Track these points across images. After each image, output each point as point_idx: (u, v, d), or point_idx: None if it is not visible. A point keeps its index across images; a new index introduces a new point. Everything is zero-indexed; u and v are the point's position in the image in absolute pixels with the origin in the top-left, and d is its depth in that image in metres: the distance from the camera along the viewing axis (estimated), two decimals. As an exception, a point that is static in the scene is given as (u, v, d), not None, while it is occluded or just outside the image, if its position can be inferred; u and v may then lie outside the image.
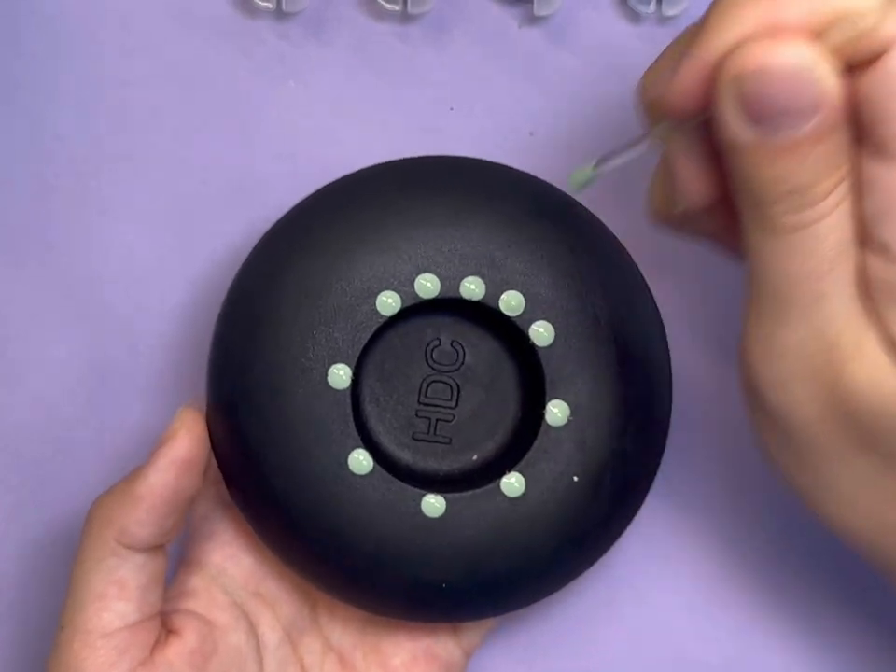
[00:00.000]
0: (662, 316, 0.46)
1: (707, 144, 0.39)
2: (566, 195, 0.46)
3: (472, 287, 0.44)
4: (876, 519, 0.39)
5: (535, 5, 0.50)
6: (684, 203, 0.40)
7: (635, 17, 0.51)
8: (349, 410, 0.44)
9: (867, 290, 0.36)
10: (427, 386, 0.45)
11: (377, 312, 0.44)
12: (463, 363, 0.45)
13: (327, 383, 0.43)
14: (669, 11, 0.50)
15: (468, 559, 0.44)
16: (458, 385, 0.45)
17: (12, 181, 0.50)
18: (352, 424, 0.44)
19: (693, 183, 0.40)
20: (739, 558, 0.51)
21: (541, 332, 0.44)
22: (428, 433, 0.45)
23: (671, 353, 0.46)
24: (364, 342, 0.44)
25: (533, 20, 0.51)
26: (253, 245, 0.46)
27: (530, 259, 0.44)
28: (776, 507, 0.51)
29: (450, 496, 0.44)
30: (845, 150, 0.36)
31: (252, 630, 0.46)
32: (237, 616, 0.46)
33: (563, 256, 0.44)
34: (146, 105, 0.50)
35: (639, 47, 0.51)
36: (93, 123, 0.50)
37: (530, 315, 0.44)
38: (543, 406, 0.44)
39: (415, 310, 0.44)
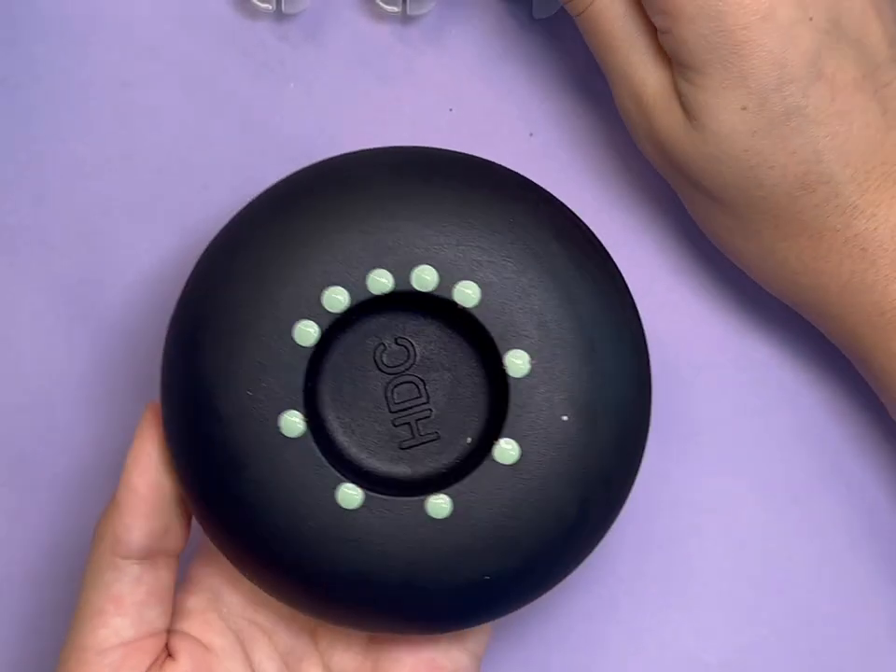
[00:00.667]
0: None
1: None
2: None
3: (382, 281, 0.42)
4: (732, 245, 0.47)
5: (534, 7, 0.50)
6: None
7: (634, 18, 0.51)
8: (317, 454, 0.42)
9: (663, 55, 0.45)
10: (392, 392, 0.43)
11: (297, 345, 0.42)
12: (416, 355, 0.44)
13: (280, 433, 0.42)
14: (668, 12, 0.50)
15: (481, 551, 0.43)
16: (421, 379, 0.44)
17: (12, 181, 0.50)
18: (327, 465, 0.42)
19: None
20: (738, 559, 0.51)
21: (468, 294, 0.42)
22: (413, 437, 0.43)
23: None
24: (301, 381, 0.42)
25: (532, 21, 0.51)
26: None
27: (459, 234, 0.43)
28: (776, 507, 0.51)
29: (453, 490, 0.42)
30: None
31: (247, 659, 0.46)
32: (232, 642, 0.46)
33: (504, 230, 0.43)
34: (146, 105, 0.50)
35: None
36: (94, 124, 0.50)
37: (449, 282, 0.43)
38: (500, 361, 0.42)
39: (339, 326, 0.43)
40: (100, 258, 0.50)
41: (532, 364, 0.42)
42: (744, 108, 0.43)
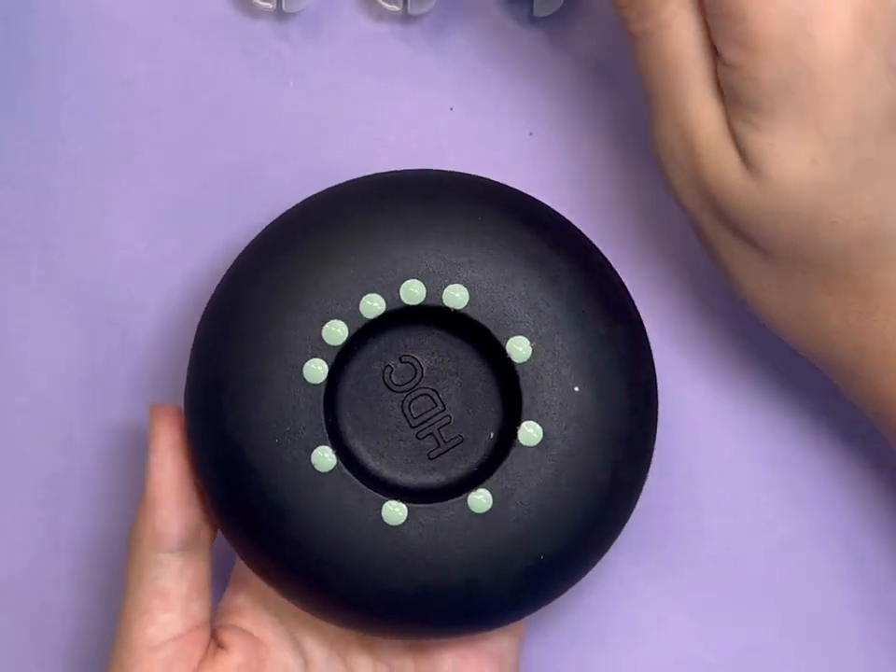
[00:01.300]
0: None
1: None
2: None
3: (374, 305, 0.44)
4: (764, 299, 0.43)
5: (534, 6, 0.50)
6: None
7: (634, 17, 0.51)
8: (354, 481, 0.43)
9: (722, 92, 0.41)
10: (409, 408, 0.45)
11: (310, 384, 0.43)
12: (422, 368, 0.45)
13: (315, 470, 0.43)
14: (669, 12, 0.50)
15: (530, 535, 0.44)
16: (433, 389, 0.45)
17: (13, 181, 0.50)
18: (366, 489, 0.43)
19: None
20: (739, 558, 0.51)
21: (457, 296, 0.44)
22: (439, 445, 0.45)
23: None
24: (321, 417, 0.43)
25: (532, 20, 0.51)
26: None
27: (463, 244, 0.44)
28: (775, 507, 0.51)
29: (490, 483, 0.44)
30: None
31: (298, 648, 0.47)
32: (282, 634, 0.47)
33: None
34: (146, 105, 0.50)
35: (639, 47, 0.51)
36: (94, 123, 0.50)
37: (447, 279, 0.44)
38: (503, 350, 0.44)
39: (344, 358, 0.44)
40: (99, 257, 0.50)
41: (533, 346, 0.44)
42: (814, 160, 0.39)
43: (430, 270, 0.44)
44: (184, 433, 0.45)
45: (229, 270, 0.46)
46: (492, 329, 0.44)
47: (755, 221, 0.41)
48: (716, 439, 0.51)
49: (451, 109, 0.51)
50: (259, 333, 0.44)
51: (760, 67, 0.39)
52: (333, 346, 0.44)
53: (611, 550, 0.46)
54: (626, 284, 0.46)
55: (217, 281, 0.46)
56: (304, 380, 0.43)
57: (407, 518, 0.43)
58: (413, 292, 0.44)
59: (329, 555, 0.44)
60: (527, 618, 0.48)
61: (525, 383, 0.44)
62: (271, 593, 0.47)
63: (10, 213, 0.50)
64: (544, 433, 0.44)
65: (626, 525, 0.45)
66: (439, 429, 0.45)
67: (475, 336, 0.44)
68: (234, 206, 0.50)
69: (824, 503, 0.51)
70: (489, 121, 0.51)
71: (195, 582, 0.45)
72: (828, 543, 0.51)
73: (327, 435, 0.43)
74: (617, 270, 0.46)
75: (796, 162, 0.39)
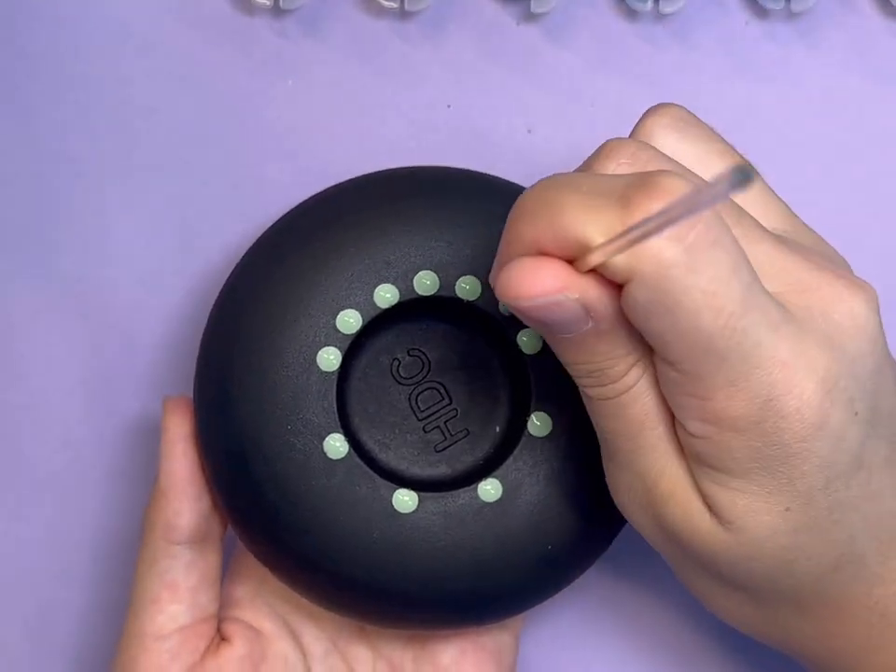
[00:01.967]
0: None
1: None
2: None
3: (387, 295, 0.44)
4: (735, 617, 0.43)
5: (532, 2, 0.50)
6: None
7: (632, 14, 0.51)
8: (365, 468, 0.44)
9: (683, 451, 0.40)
10: (416, 402, 0.45)
11: (323, 371, 0.44)
12: (430, 362, 0.45)
13: (327, 457, 0.44)
14: (667, 9, 0.50)
15: (540, 524, 0.44)
16: (440, 382, 0.45)
17: (12, 181, 0.50)
18: (377, 477, 0.44)
19: None
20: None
21: (469, 288, 0.44)
22: (446, 438, 0.45)
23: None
24: (334, 405, 0.44)
25: (530, 16, 0.51)
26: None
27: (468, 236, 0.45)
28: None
29: (499, 472, 0.44)
30: (634, 339, 0.38)
31: (296, 640, 0.47)
32: (281, 626, 0.47)
33: None
34: (144, 103, 0.50)
35: (637, 44, 0.51)
36: (92, 122, 0.50)
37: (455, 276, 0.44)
38: (514, 341, 0.44)
39: (354, 350, 0.44)
40: (99, 256, 0.50)
41: (543, 337, 0.44)
42: (787, 509, 0.39)
43: (443, 262, 0.44)
44: (195, 426, 0.45)
45: (241, 261, 0.46)
46: (503, 321, 0.44)
47: (728, 565, 0.40)
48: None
49: (448, 107, 0.51)
50: (272, 322, 0.44)
51: (731, 440, 0.38)
52: (347, 335, 0.44)
53: (613, 548, 0.46)
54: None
55: (217, 280, 0.46)
56: (318, 368, 0.44)
57: (418, 506, 0.44)
58: (425, 283, 0.44)
59: (339, 542, 0.44)
60: (527, 617, 0.49)
61: (534, 374, 0.44)
62: (269, 585, 0.47)
63: (10, 212, 0.50)
64: (553, 424, 0.44)
65: None
66: (445, 423, 0.45)
67: (485, 328, 0.45)
68: (234, 205, 0.50)
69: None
70: (487, 118, 0.51)
71: (204, 575, 0.46)
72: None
73: (339, 423, 0.44)
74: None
75: (770, 514, 0.39)
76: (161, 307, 0.50)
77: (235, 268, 0.46)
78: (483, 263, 0.44)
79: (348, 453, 0.44)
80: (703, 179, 0.40)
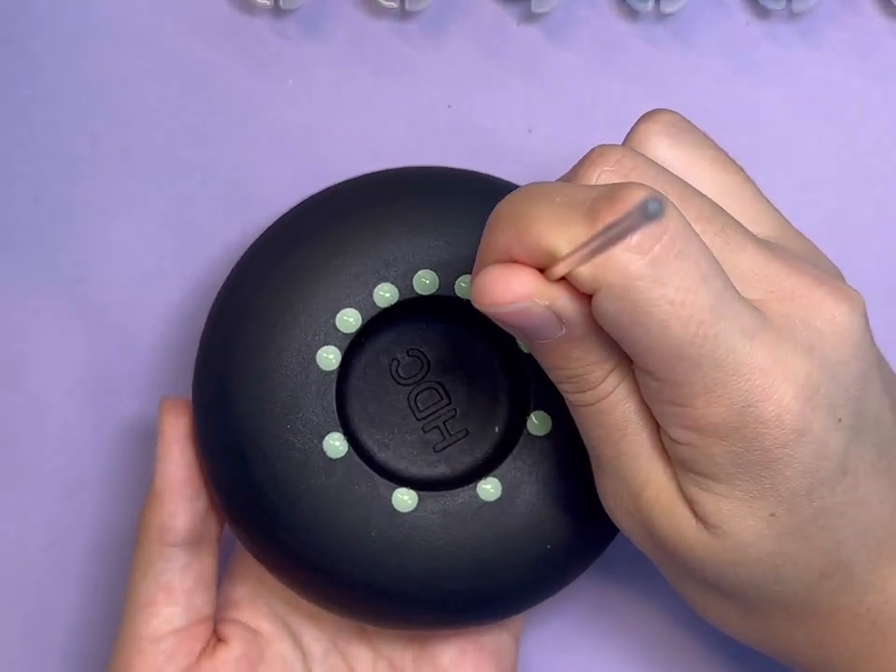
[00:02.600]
0: None
1: None
2: None
3: (387, 295, 0.44)
4: (725, 623, 0.43)
5: (532, 2, 0.50)
6: None
7: (633, 14, 0.51)
8: (365, 468, 0.44)
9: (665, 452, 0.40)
10: (415, 402, 0.45)
11: (323, 370, 0.44)
12: (429, 362, 0.45)
13: (326, 456, 0.44)
14: (667, 8, 0.50)
15: (539, 523, 0.44)
16: (439, 382, 0.45)
17: (11, 180, 0.50)
18: (376, 476, 0.44)
19: None
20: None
21: (466, 287, 0.44)
22: (445, 438, 0.45)
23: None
24: (333, 404, 0.44)
25: (531, 17, 0.51)
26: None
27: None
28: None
29: (499, 471, 0.44)
30: (609, 347, 0.38)
31: (296, 641, 0.47)
32: (280, 627, 0.47)
33: None
34: (144, 103, 0.50)
35: (637, 44, 0.51)
36: (92, 122, 0.50)
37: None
38: (513, 340, 0.44)
39: (354, 350, 0.44)
40: (98, 256, 0.50)
41: None
42: (772, 514, 0.39)
43: (443, 261, 0.44)
44: (193, 427, 0.45)
45: (240, 260, 0.46)
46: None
47: (713, 569, 0.41)
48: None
49: (449, 107, 0.51)
50: (272, 321, 0.44)
51: (713, 446, 0.38)
52: (346, 334, 0.44)
53: (612, 549, 0.46)
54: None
55: (217, 280, 0.46)
56: (317, 367, 0.44)
57: (417, 505, 0.44)
58: (425, 282, 0.44)
59: (338, 541, 0.44)
60: (527, 618, 0.49)
61: (534, 373, 0.44)
62: (267, 585, 0.47)
63: (9, 212, 0.50)
64: (553, 423, 0.44)
65: None
66: (444, 423, 0.45)
67: (484, 327, 0.45)
68: (233, 204, 0.50)
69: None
70: (487, 119, 0.51)
71: (200, 577, 0.46)
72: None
73: (338, 422, 0.44)
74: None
75: (755, 519, 0.39)
76: (161, 307, 0.50)
77: (234, 267, 0.46)
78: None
79: (347, 452, 0.44)
80: (689, 186, 0.40)
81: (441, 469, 0.45)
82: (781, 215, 0.43)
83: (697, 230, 0.38)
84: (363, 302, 0.44)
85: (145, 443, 0.49)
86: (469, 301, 0.44)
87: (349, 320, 0.44)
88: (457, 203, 0.45)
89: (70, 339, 0.50)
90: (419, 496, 0.44)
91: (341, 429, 0.44)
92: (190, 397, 0.46)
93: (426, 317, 0.45)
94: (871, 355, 0.40)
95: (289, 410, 0.44)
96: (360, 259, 0.44)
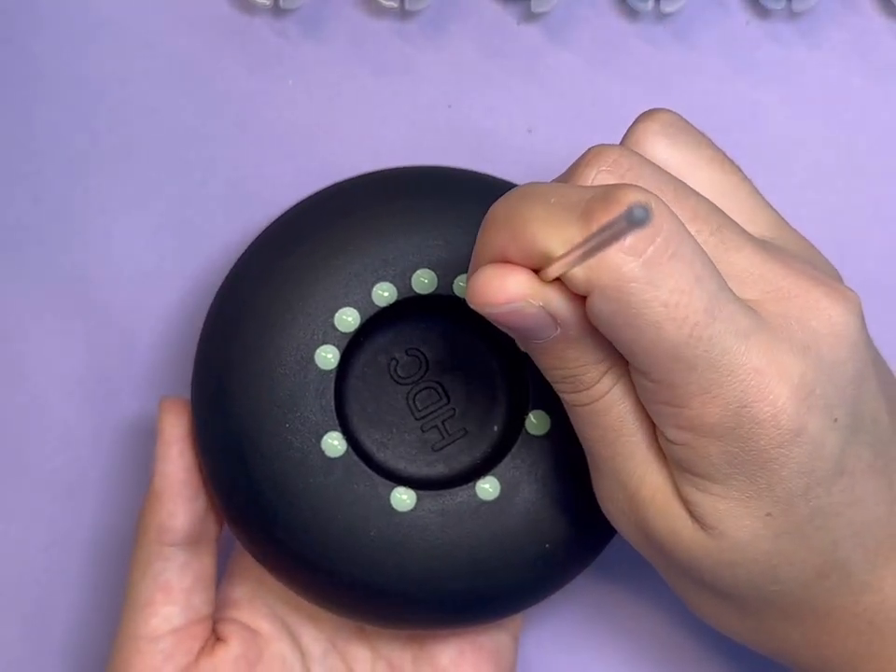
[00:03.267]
0: None
1: None
2: None
3: (385, 294, 0.44)
4: (723, 624, 0.43)
5: (532, 2, 0.50)
6: None
7: (633, 14, 0.51)
8: (363, 467, 0.44)
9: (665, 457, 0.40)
10: (414, 401, 0.45)
11: (321, 370, 0.44)
12: (428, 361, 0.45)
13: (325, 455, 0.44)
14: (667, 8, 0.50)
15: (537, 523, 0.44)
16: (438, 382, 0.45)
17: (10, 180, 0.50)
18: (375, 475, 0.44)
19: None
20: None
21: (465, 286, 0.44)
22: (444, 438, 0.45)
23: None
24: (332, 404, 0.44)
25: (531, 16, 0.51)
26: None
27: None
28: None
29: (497, 471, 0.44)
30: (604, 347, 0.38)
31: (295, 641, 0.47)
32: (279, 626, 0.47)
33: None
34: (143, 103, 0.50)
35: (637, 44, 0.51)
36: (92, 122, 0.50)
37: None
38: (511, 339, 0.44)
39: (352, 349, 0.44)
40: (98, 256, 0.50)
41: None
42: (768, 514, 0.39)
43: (441, 260, 0.44)
44: (192, 426, 0.45)
45: (238, 260, 0.46)
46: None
47: (710, 570, 0.40)
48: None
49: (449, 106, 0.51)
50: (270, 320, 0.44)
51: (708, 446, 0.38)
52: (345, 333, 0.44)
53: (612, 549, 0.46)
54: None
55: (217, 280, 0.46)
56: (316, 366, 0.44)
57: (415, 504, 0.44)
58: (423, 281, 0.44)
59: (336, 541, 0.44)
60: (526, 618, 0.49)
61: (532, 372, 0.43)
62: (266, 585, 0.47)
63: (9, 212, 0.50)
64: (551, 422, 0.44)
65: None
66: (443, 422, 0.45)
67: (483, 327, 0.44)
68: (233, 205, 0.50)
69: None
70: (487, 119, 0.51)
71: (199, 576, 0.46)
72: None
73: (337, 421, 0.44)
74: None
75: (751, 519, 0.39)
76: (161, 307, 0.50)
77: (233, 267, 0.46)
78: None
79: (346, 451, 0.44)
80: (685, 185, 0.40)
81: (439, 469, 0.45)
82: (778, 214, 0.43)
83: (693, 230, 0.38)
84: (361, 301, 0.44)
85: (145, 443, 0.49)
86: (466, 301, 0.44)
87: (348, 319, 0.44)
88: (456, 203, 0.45)
89: (70, 339, 0.50)
90: (417, 495, 0.44)
91: (339, 429, 0.44)
92: (189, 395, 0.46)
93: (424, 317, 0.45)
94: (867, 355, 0.40)
95: (288, 409, 0.44)
96: (359, 258, 0.44)
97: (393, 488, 0.44)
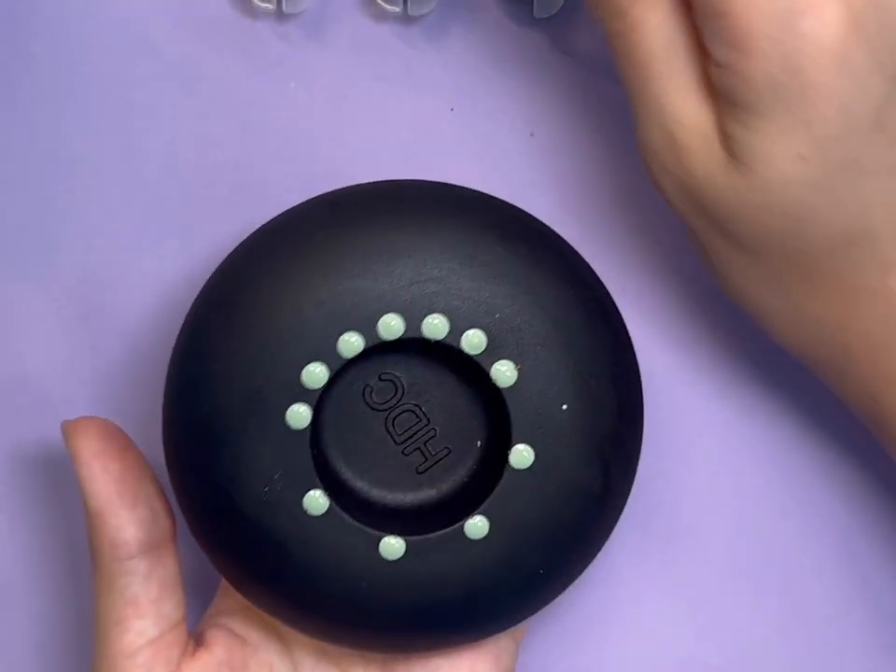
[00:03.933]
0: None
1: None
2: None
3: (353, 342, 0.43)
4: (753, 300, 0.44)
5: (535, 7, 0.50)
6: None
7: (635, 18, 0.51)
8: (349, 521, 0.43)
9: (709, 91, 0.41)
10: (393, 425, 0.44)
11: (293, 430, 0.42)
12: (403, 384, 0.44)
13: (308, 514, 0.43)
14: (669, 13, 0.50)
15: (527, 554, 0.44)
16: (416, 404, 0.44)
17: (12, 181, 0.50)
18: (362, 527, 0.43)
19: None
20: (739, 559, 0.51)
21: (437, 325, 0.43)
22: (427, 459, 0.44)
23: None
24: (310, 461, 0.43)
25: (533, 21, 0.51)
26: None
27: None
28: (776, 507, 0.51)
29: (484, 508, 0.43)
30: None
31: (286, 650, 0.47)
32: (270, 636, 0.47)
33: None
34: (146, 105, 0.50)
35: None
36: (94, 124, 0.50)
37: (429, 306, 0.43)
38: (488, 375, 0.43)
39: (324, 396, 0.43)
40: (100, 258, 0.50)
41: (518, 368, 0.43)
42: (802, 157, 0.39)
43: (407, 301, 0.43)
44: (104, 439, 0.44)
45: (192, 311, 0.44)
46: (475, 356, 0.43)
47: (741, 218, 0.41)
48: (715, 439, 0.51)
49: (451, 110, 0.51)
50: (236, 382, 0.42)
51: (753, 66, 0.39)
52: (314, 390, 0.42)
53: (612, 550, 0.46)
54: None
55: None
56: (288, 426, 0.42)
57: (405, 551, 0.43)
58: (391, 326, 0.42)
59: (328, 595, 0.43)
60: (528, 622, 0.49)
61: (512, 406, 0.43)
62: None
63: (10, 212, 0.50)
64: (536, 455, 0.43)
65: (620, 523, 0.45)
66: (425, 443, 0.44)
67: (458, 362, 0.44)
68: (234, 207, 0.50)
69: (824, 502, 0.51)
70: (490, 122, 0.51)
71: (164, 582, 0.45)
72: (828, 543, 0.51)
73: (317, 478, 0.43)
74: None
75: (784, 159, 0.39)
76: (162, 308, 0.50)
77: (187, 319, 0.44)
78: (451, 299, 0.42)
79: (329, 507, 0.43)
80: None
81: (425, 492, 0.44)
82: None
83: None
84: (328, 353, 0.42)
85: (147, 444, 0.49)
86: (437, 343, 0.43)
87: (316, 373, 0.42)
88: (419, 237, 0.43)
89: (71, 340, 0.50)
90: (406, 542, 0.43)
91: (321, 485, 0.43)
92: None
93: (396, 353, 0.44)
94: None
95: (265, 471, 0.42)
96: (321, 306, 0.42)
97: (381, 538, 0.43)
